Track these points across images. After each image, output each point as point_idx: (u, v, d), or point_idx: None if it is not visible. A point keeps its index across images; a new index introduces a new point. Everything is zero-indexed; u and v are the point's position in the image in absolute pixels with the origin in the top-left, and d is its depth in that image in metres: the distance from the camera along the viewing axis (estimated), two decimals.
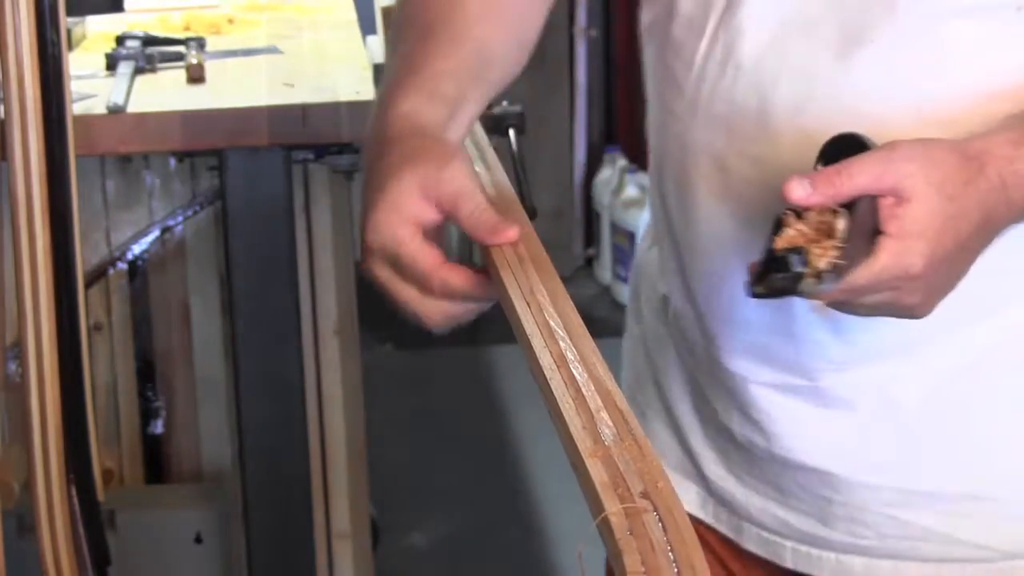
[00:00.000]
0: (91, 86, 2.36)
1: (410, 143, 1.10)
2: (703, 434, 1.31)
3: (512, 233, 1.05)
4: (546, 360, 0.97)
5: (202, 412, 2.67)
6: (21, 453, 2.07)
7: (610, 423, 0.91)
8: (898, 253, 0.98)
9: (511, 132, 2.55)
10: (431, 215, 1.06)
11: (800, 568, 1.28)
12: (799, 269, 0.97)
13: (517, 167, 2.50)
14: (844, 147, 1.02)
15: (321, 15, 2.94)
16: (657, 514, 0.83)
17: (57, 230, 1.98)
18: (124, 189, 2.57)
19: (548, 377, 0.95)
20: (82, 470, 2.06)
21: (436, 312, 1.08)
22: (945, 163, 1.00)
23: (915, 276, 0.99)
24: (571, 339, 0.99)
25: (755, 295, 0.99)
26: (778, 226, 0.99)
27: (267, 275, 2.31)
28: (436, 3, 1.22)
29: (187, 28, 2.77)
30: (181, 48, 2.52)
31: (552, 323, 1.00)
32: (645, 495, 0.84)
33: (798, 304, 1.15)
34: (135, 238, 2.59)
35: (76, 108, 2.10)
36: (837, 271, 0.97)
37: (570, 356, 0.97)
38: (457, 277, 1.06)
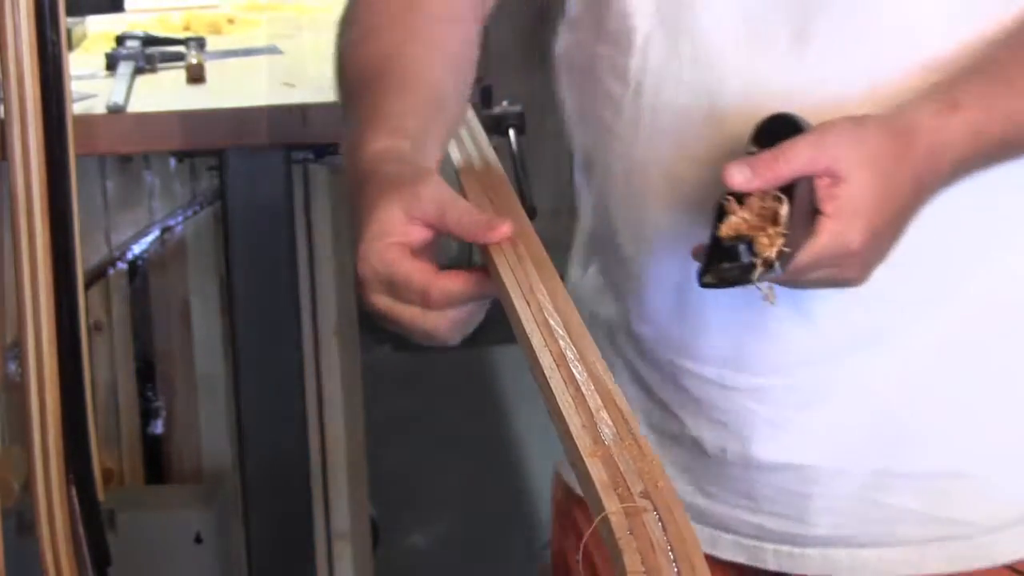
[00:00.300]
0: (91, 86, 2.36)
1: (384, 174, 1.11)
2: (662, 456, 1.31)
3: (506, 228, 1.06)
4: (546, 359, 0.97)
5: (202, 412, 2.67)
6: (21, 453, 2.07)
7: (610, 422, 0.91)
8: (837, 232, 1.01)
9: (511, 132, 2.55)
10: (418, 234, 1.07)
11: (784, 568, 1.27)
12: (748, 260, 0.98)
13: (517, 167, 2.50)
14: (777, 128, 1.04)
15: (321, 15, 2.95)
16: (657, 513, 0.83)
17: (57, 230, 1.98)
18: (124, 189, 2.57)
19: (548, 376, 0.95)
20: (82, 470, 2.06)
21: (443, 324, 1.08)
22: (876, 140, 1.02)
23: (854, 252, 1.02)
24: (571, 338, 0.99)
25: (705, 285, 1.00)
26: (720, 212, 1.00)
27: (267, 275, 2.31)
28: (382, 51, 1.23)
29: (187, 28, 2.77)
30: (181, 48, 2.52)
31: (552, 322, 1.00)
32: (645, 494, 0.84)
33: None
34: (135, 238, 2.59)
35: (76, 108, 2.10)
36: (784, 258, 0.98)
37: (570, 355, 0.97)
38: (454, 282, 1.06)
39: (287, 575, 2.40)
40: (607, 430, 0.90)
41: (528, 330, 0.99)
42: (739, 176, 1.00)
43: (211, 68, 2.45)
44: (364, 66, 1.24)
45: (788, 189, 1.00)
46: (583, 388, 0.94)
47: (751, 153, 1.04)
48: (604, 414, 0.92)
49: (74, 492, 2.05)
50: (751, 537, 1.27)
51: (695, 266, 1.03)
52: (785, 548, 1.27)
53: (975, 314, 1.18)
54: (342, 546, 2.69)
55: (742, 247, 0.98)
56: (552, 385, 0.94)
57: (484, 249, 1.08)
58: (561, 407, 0.92)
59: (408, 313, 1.07)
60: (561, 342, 0.98)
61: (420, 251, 1.07)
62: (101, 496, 2.11)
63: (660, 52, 1.17)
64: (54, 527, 2.02)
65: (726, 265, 0.99)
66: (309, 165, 2.51)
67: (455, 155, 1.27)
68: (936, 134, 1.04)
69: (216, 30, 2.76)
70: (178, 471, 2.69)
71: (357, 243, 1.08)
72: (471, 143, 1.29)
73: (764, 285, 1.02)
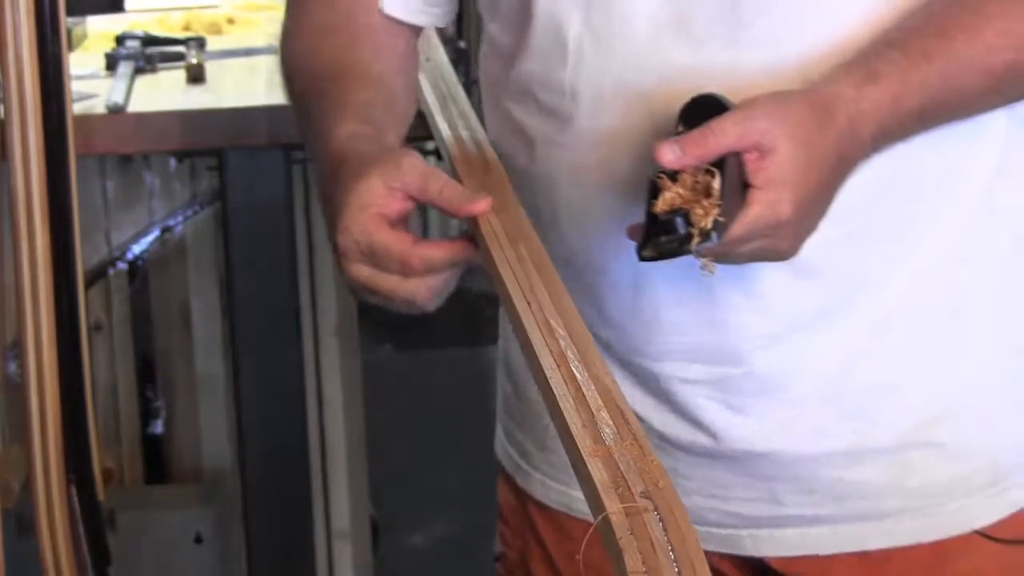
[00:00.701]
0: (91, 86, 2.36)
1: (359, 152, 1.14)
2: None
3: (485, 203, 1.09)
4: (546, 359, 0.97)
5: (202, 412, 2.67)
6: (21, 453, 2.07)
7: (610, 422, 0.91)
8: (768, 203, 1.04)
9: None
10: (399, 205, 1.10)
11: (762, 552, 1.29)
12: (684, 231, 1.02)
13: None
14: (702, 107, 1.08)
15: None
16: (658, 513, 0.83)
17: (57, 230, 1.98)
18: (124, 189, 2.57)
19: (548, 376, 0.95)
20: (82, 470, 2.06)
21: (422, 290, 1.10)
22: (799, 113, 1.06)
23: (785, 222, 1.05)
24: (571, 338, 0.99)
25: (644, 259, 1.04)
26: (653, 189, 1.03)
27: (267, 275, 2.31)
28: (332, 55, 1.27)
29: (187, 28, 2.77)
30: (181, 48, 2.52)
31: (552, 322, 1.00)
32: (646, 494, 0.84)
33: (723, 291, 1.19)
34: (135, 238, 2.59)
35: (76, 108, 2.10)
36: (719, 228, 1.02)
37: (570, 355, 0.97)
38: (435, 249, 1.09)
39: (287, 575, 2.40)
40: (607, 430, 0.90)
41: (528, 330, 1.00)
42: (670, 154, 1.03)
43: (211, 68, 2.45)
44: (318, 70, 1.27)
45: (718, 165, 1.04)
46: (583, 388, 0.94)
47: (679, 133, 1.07)
48: (604, 414, 0.92)
49: (74, 492, 2.04)
50: (726, 526, 1.28)
51: (644, 266, 1.06)
52: (764, 532, 1.28)
53: (915, 288, 1.21)
54: (342, 546, 2.69)
55: (678, 220, 1.02)
56: (552, 385, 0.94)
57: (484, 249, 1.08)
58: (561, 407, 0.92)
59: (388, 282, 1.10)
60: (561, 342, 0.98)
61: (399, 224, 1.10)
62: (101, 496, 2.11)
63: (592, 56, 1.19)
64: (54, 527, 2.02)
65: (664, 238, 1.03)
66: (309, 165, 2.50)
67: (455, 154, 1.27)
68: (855, 104, 1.08)
69: (216, 30, 2.76)
70: (178, 471, 2.69)
71: (333, 218, 1.11)
72: (471, 143, 1.29)
73: (702, 258, 1.05)
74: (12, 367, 2.15)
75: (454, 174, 1.24)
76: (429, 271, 1.09)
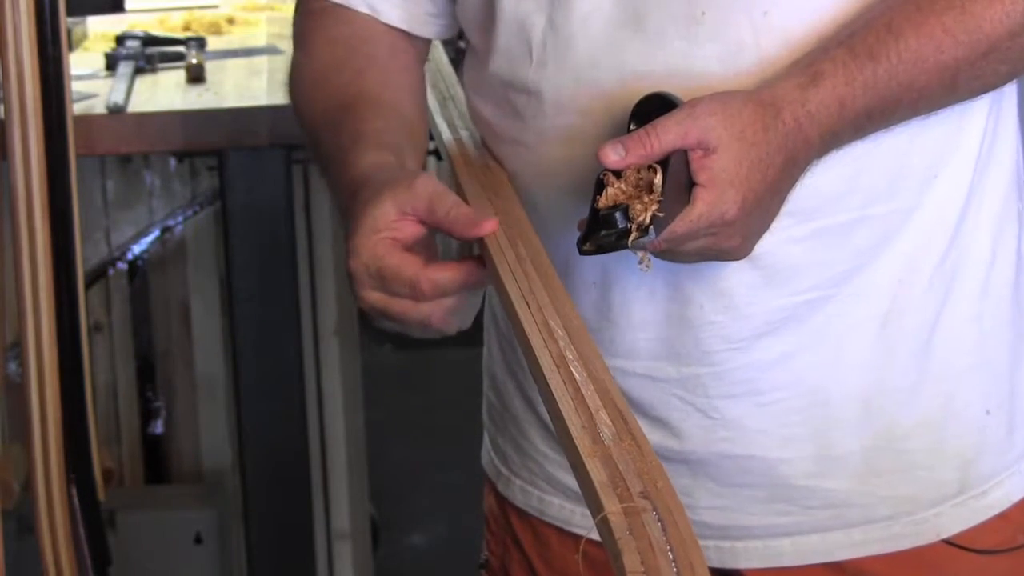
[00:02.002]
0: (91, 86, 2.36)
1: (376, 179, 1.13)
2: None
3: (491, 224, 1.09)
4: (545, 360, 0.97)
5: (202, 412, 2.67)
6: (21, 453, 2.07)
7: (609, 423, 0.91)
8: (712, 202, 1.04)
9: None
10: (410, 229, 1.09)
11: (727, 564, 1.27)
12: (623, 226, 1.03)
13: None
14: (652, 106, 1.09)
15: None
16: (656, 513, 0.83)
17: (57, 230, 1.98)
18: (124, 189, 2.58)
19: (547, 377, 0.95)
20: (82, 470, 2.06)
21: (437, 313, 1.09)
22: (743, 113, 1.06)
23: (730, 221, 1.05)
24: (570, 339, 0.99)
25: (584, 252, 1.05)
26: (600, 187, 1.05)
27: (267, 275, 2.31)
28: (341, 92, 1.26)
29: (187, 28, 2.77)
30: (181, 48, 2.52)
31: (551, 323, 1.00)
32: (644, 494, 0.84)
33: (690, 290, 1.19)
34: (135, 238, 2.59)
35: (76, 108, 2.10)
36: (658, 224, 1.03)
37: (569, 356, 0.97)
38: (443, 272, 1.08)
39: (287, 575, 2.41)
40: (606, 430, 0.90)
41: (528, 331, 1.00)
42: (613, 155, 1.04)
43: (211, 68, 2.45)
44: (327, 105, 1.27)
45: (663, 162, 1.05)
46: (582, 388, 0.94)
47: (631, 132, 1.08)
48: (603, 414, 0.92)
49: (74, 492, 2.05)
50: None
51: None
52: (727, 544, 1.27)
53: (886, 292, 1.21)
54: (342, 546, 2.69)
55: (618, 214, 1.03)
56: (552, 385, 0.94)
57: (484, 249, 1.08)
58: (560, 407, 0.92)
59: (400, 306, 1.09)
60: (561, 342, 0.98)
61: (415, 248, 1.09)
62: (101, 496, 2.11)
63: (554, 56, 1.19)
64: (54, 527, 2.02)
65: (603, 232, 1.04)
66: (309, 165, 2.51)
67: (455, 154, 1.27)
68: (801, 106, 1.08)
69: (216, 30, 2.76)
70: (178, 471, 2.69)
71: (347, 242, 1.10)
72: (471, 143, 1.29)
73: (640, 253, 1.06)
74: (12, 367, 2.15)
75: (454, 174, 1.24)
76: (440, 294, 1.08)
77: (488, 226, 1.08)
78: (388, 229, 1.08)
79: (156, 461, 2.69)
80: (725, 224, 1.05)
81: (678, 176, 1.05)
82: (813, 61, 1.11)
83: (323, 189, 2.56)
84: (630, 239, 1.03)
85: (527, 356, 1.00)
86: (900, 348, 1.22)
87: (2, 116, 1.96)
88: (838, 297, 1.20)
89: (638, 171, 1.04)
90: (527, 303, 1.02)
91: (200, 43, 2.55)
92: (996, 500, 1.26)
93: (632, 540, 0.81)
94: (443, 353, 4.15)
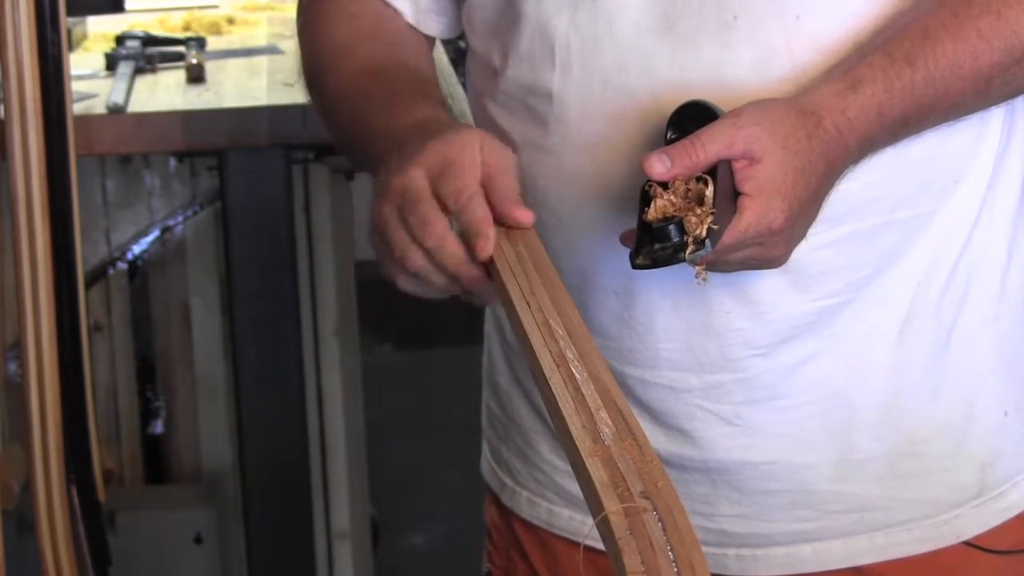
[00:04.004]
0: (91, 86, 2.36)
1: (444, 124, 1.11)
2: None
3: (527, 216, 1.07)
4: (545, 360, 0.97)
5: (202, 412, 2.67)
6: (21, 453, 2.07)
7: (609, 422, 0.91)
8: (760, 212, 1.04)
9: None
10: (478, 171, 1.07)
11: (748, 573, 1.27)
12: (678, 239, 1.02)
13: None
14: (691, 114, 1.08)
15: None
16: (657, 513, 0.83)
17: (57, 230, 1.98)
18: (124, 189, 2.57)
19: (548, 377, 0.95)
20: (82, 470, 2.06)
21: (419, 264, 1.06)
22: (786, 121, 1.06)
23: (777, 230, 1.05)
24: (571, 338, 0.99)
25: (637, 267, 1.04)
26: (645, 198, 1.04)
27: (267, 275, 2.31)
28: (373, 59, 1.24)
29: (187, 28, 2.77)
30: (181, 48, 2.52)
31: (552, 322, 1.00)
32: (645, 494, 0.84)
33: (716, 297, 1.18)
34: (135, 238, 2.59)
35: (76, 108, 2.10)
36: (713, 236, 1.02)
37: (569, 355, 0.97)
38: (461, 255, 1.05)
39: (287, 575, 2.41)
40: (607, 430, 0.90)
41: (528, 330, 0.99)
42: (659, 166, 1.03)
43: (211, 68, 2.45)
44: (365, 64, 1.24)
45: (710, 173, 1.04)
46: (583, 388, 0.94)
47: (670, 140, 1.07)
48: (604, 414, 0.92)
49: (74, 492, 2.05)
50: (711, 545, 1.26)
51: (633, 272, 1.06)
52: (747, 551, 1.26)
53: (901, 295, 1.21)
54: (342, 546, 2.69)
55: (671, 228, 1.02)
56: (552, 385, 0.94)
57: None
58: (561, 407, 0.92)
59: (402, 240, 1.06)
60: (561, 342, 0.98)
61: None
62: (101, 496, 2.11)
63: (579, 60, 1.17)
64: (54, 527, 2.03)
65: (657, 246, 1.03)
66: (309, 165, 2.51)
67: None
68: (841, 113, 1.08)
69: (216, 30, 2.76)
70: (178, 471, 2.69)
71: (414, 148, 1.07)
72: None
73: (697, 267, 1.05)
74: (12, 367, 2.15)
75: None
76: (441, 257, 1.05)
77: (524, 216, 1.06)
78: (474, 150, 1.06)
79: (156, 461, 2.69)
80: (772, 233, 1.05)
81: (723, 187, 1.04)
82: (851, 67, 1.10)
83: (323, 189, 2.56)
84: (688, 252, 1.02)
85: (527, 356, 0.99)
86: (919, 351, 1.22)
87: (2, 116, 1.96)
88: (859, 301, 1.19)
89: (686, 182, 1.03)
90: (527, 303, 1.02)
91: (200, 43, 2.55)
92: (1014, 501, 1.27)
93: (632, 540, 0.81)
94: (443, 353, 4.15)
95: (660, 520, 0.83)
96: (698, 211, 1.02)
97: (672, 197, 1.03)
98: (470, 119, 1.31)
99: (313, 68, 1.30)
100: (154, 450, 2.69)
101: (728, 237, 1.03)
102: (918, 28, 1.11)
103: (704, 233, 1.02)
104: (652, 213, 1.03)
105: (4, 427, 2.21)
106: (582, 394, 0.93)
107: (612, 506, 0.83)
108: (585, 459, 0.88)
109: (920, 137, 1.15)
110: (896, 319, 1.21)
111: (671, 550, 0.81)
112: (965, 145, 1.19)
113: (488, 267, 1.06)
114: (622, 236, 1.07)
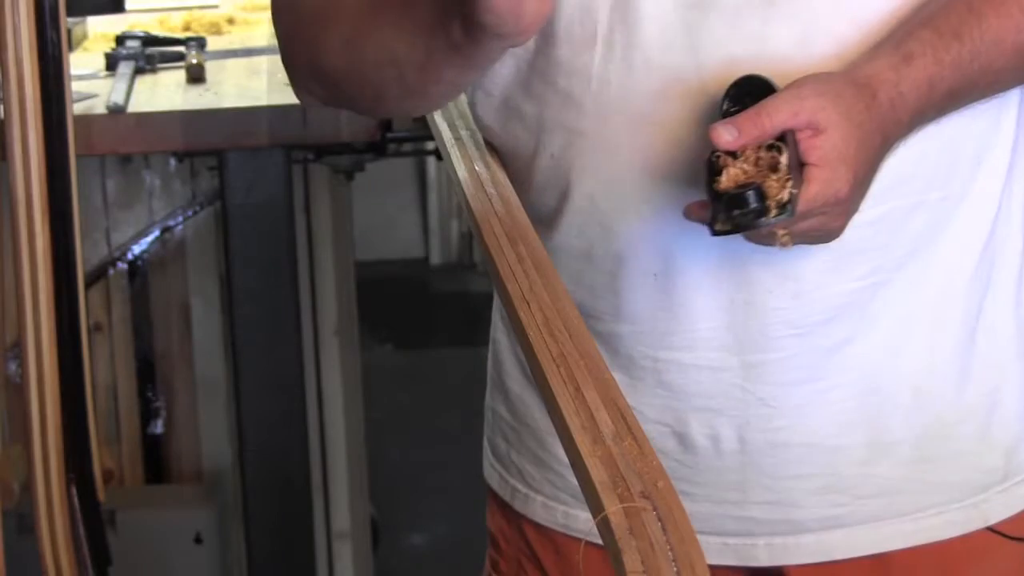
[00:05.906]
0: (91, 86, 2.36)
1: None
2: None
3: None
4: (546, 359, 0.97)
5: (202, 412, 2.67)
6: (21, 453, 2.07)
7: (609, 422, 0.91)
8: (826, 180, 1.05)
9: None
10: None
11: (778, 562, 1.27)
12: (756, 204, 1.03)
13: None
14: (749, 88, 1.09)
15: None
16: (656, 513, 0.83)
17: (57, 230, 1.98)
18: (124, 189, 2.58)
19: (548, 376, 0.95)
20: (82, 470, 2.06)
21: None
22: (845, 94, 1.08)
23: (843, 199, 1.07)
24: (571, 338, 0.99)
25: (717, 233, 1.05)
26: (713, 168, 1.05)
27: (267, 275, 2.31)
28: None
29: (187, 28, 2.77)
30: (181, 48, 2.52)
31: (552, 323, 1.00)
32: (645, 494, 0.85)
33: (758, 275, 1.18)
34: (135, 238, 2.59)
35: (76, 108, 2.10)
36: (794, 200, 1.04)
37: (569, 355, 0.97)
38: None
39: (287, 575, 2.41)
40: (607, 430, 0.90)
41: (528, 330, 1.00)
42: (727, 135, 1.05)
43: (211, 68, 2.45)
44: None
45: (783, 139, 1.05)
46: (582, 388, 0.94)
47: (726, 112, 1.08)
48: (603, 414, 0.92)
49: (74, 492, 2.04)
50: (739, 535, 1.26)
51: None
52: (778, 540, 1.26)
53: (932, 279, 1.22)
54: (342, 546, 2.69)
55: (750, 193, 1.03)
56: (552, 385, 0.95)
57: (484, 249, 1.08)
58: (561, 407, 0.93)
59: None
60: (561, 342, 0.98)
61: None
62: (101, 496, 2.11)
63: (622, 38, 1.17)
64: (54, 527, 2.02)
65: (737, 212, 1.04)
66: (309, 165, 2.51)
67: (455, 155, 1.27)
68: (895, 86, 1.09)
69: (216, 30, 2.76)
70: (178, 471, 2.69)
71: None
72: (471, 144, 1.29)
73: (781, 231, 1.06)
74: (12, 367, 2.15)
75: (454, 175, 1.24)
76: None
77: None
78: None
79: (156, 461, 2.69)
80: (838, 203, 1.06)
81: (789, 156, 1.05)
82: (900, 42, 1.11)
83: (323, 189, 2.56)
84: (771, 216, 1.03)
85: (527, 356, 1.00)
86: (949, 335, 1.23)
87: (2, 116, 1.96)
88: (894, 283, 1.20)
89: (756, 150, 1.05)
90: (527, 303, 1.02)
91: (200, 43, 2.55)
92: None
93: (632, 540, 0.81)
94: (443, 353, 4.16)
95: (660, 520, 0.83)
96: (773, 177, 1.04)
97: (745, 165, 1.05)
98: (470, 118, 1.31)
99: (308, 28, 1.27)
100: (154, 450, 2.69)
101: (800, 205, 1.04)
102: (962, 3, 1.12)
103: (787, 197, 1.03)
104: (725, 181, 1.04)
105: (4, 427, 2.21)
106: (582, 394, 0.93)
107: (612, 506, 0.84)
108: (585, 459, 0.88)
109: (949, 116, 1.16)
110: (927, 303, 1.22)
111: (671, 550, 0.81)
112: (986, 128, 1.20)
113: (488, 266, 1.07)
114: (687, 209, 1.08)
